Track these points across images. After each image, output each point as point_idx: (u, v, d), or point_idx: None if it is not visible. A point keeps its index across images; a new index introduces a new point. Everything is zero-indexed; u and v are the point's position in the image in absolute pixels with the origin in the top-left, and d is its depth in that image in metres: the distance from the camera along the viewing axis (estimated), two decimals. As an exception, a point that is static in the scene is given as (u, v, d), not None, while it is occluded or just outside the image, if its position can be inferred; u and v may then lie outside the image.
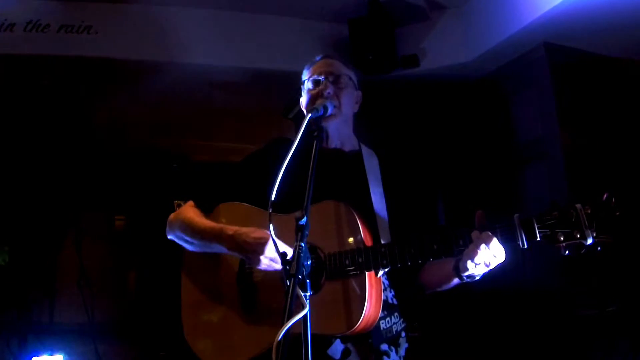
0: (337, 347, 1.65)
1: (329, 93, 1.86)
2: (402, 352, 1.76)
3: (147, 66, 3.99)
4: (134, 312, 5.20)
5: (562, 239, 1.43)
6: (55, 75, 4.10)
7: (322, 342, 1.62)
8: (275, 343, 1.20)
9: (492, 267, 1.52)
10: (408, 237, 1.63)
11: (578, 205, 1.42)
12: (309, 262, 1.37)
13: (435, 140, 4.46)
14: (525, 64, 3.91)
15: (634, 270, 3.28)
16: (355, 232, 1.64)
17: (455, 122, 4.40)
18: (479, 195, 4.08)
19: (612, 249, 1.41)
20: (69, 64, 3.91)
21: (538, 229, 1.45)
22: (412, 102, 4.50)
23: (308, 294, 1.33)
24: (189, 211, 1.88)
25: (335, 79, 1.91)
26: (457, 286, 1.70)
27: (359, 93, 2.01)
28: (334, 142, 1.93)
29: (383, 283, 1.72)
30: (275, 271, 1.65)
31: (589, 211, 1.41)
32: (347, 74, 1.95)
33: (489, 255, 1.48)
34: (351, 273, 1.60)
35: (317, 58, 2.00)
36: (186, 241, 1.84)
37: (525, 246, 1.46)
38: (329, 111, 1.75)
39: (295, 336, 1.30)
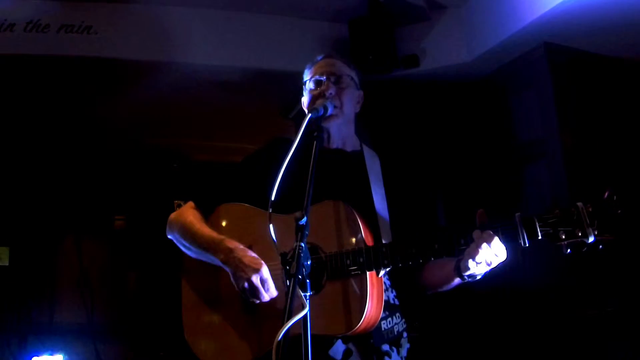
0: (338, 348, 1.65)
1: (330, 93, 1.86)
2: (403, 352, 1.76)
3: (147, 66, 3.99)
4: (133, 312, 5.20)
5: (563, 237, 1.43)
6: (55, 75, 4.10)
7: (323, 343, 1.62)
8: (275, 343, 1.20)
9: (493, 266, 1.52)
10: (409, 236, 1.63)
11: (579, 204, 1.42)
12: (309, 262, 1.37)
13: (436, 140, 4.46)
14: (525, 64, 3.91)
15: (634, 270, 3.28)
16: (356, 232, 1.64)
17: (455, 122, 4.40)
18: (479, 194, 4.07)
19: (613, 248, 1.41)
20: (69, 64, 3.91)
21: (539, 227, 1.45)
22: (412, 102, 4.50)
23: (308, 294, 1.33)
24: (190, 214, 1.87)
25: (336, 79, 1.91)
26: (458, 286, 1.70)
27: (361, 93, 2.01)
28: (335, 142, 1.92)
29: (385, 283, 1.72)
30: (276, 272, 1.65)
31: (590, 209, 1.41)
32: (349, 74, 1.95)
33: (491, 254, 1.48)
34: (352, 273, 1.59)
35: (319, 58, 2.00)
36: (184, 246, 1.84)
37: (527, 245, 1.46)
38: (329, 111, 1.75)
39: (296, 337, 1.30)
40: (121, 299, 5.33)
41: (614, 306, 3.24)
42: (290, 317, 1.24)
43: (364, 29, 3.99)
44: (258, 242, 1.74)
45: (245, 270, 1.61)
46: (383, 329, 1.71)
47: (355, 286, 1.59)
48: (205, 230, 1.79)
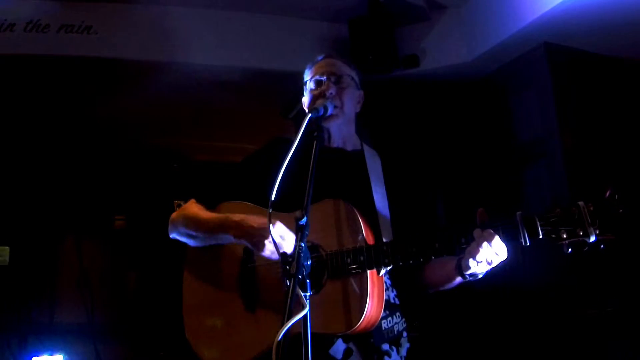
0: (338, 347, 1.65)
1: (331, 93, 1.87)
2: (403, 352, 1.76)
3: (147, 66, 3.99)
4: (133, 312, 5.20)
5: (564, 236, 1.43)
6: (55, 75, 4.10)
7: (324, 342, 1.62)
8: (275, 343, 1.20)
9: (494, 265, 1.52)
10: (410, 235, 1.63)
11: (581, 203, 1.42)
12: (309, 262, 1.37)
13: (436, 140, 4.46)
14: (525, 64, 3.91)
15: (634, 270, 3.28)
16: (356, 231, 1.64)
17: (455, 122, 4.40)
18: (479, 194, 4.07)
19: (614, 248, 1.41)
20: (69, 64, 3.91)
21: (540, 226, 1.45)
22: (413, 102, 4.50)
23: (308, 293, 1.33)
24: (193, 207, 1.88)
25: (337, 79, 1.92)
26: (458, 285, 1.70)
27: (361, 93, 2.02)
28: (336, 142, 1.93)
29: (385, 282, 1.72)
30: (277, 271, 1.65)
31: (591, 208, 1.41)
32: (349, 73, 1.96)
33: (491, 253, 1.48)
34: (353, 272, 1.60)
35: (319, 58, 2.01)
36: (190, 235, 1.83)
37: (528, 244, 1.46)
38: (330, 111, 1.75)
39: (297, 335, 1.30)
40: (121, 299, 5.33)
41: (614, 306, 3.24)
42: (290, 317, 1.24)
43: (364, 29, 3.99)
44: None
45: (261, 233, 1.59)
46: (383, 328, 1.71)
47: (355, 285, 1.59)
48: (208, 214, 1.80)
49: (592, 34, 3.58)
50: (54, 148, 5.25)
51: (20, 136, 4.98)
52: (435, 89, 4.35)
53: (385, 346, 1.71)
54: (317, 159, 1.54)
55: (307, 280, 1.34)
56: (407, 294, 1.83)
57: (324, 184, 1.61)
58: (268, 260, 1.65)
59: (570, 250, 1.43)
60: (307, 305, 1.30)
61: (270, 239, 1.55)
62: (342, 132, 1.93)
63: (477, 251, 1.48)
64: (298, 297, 1.30)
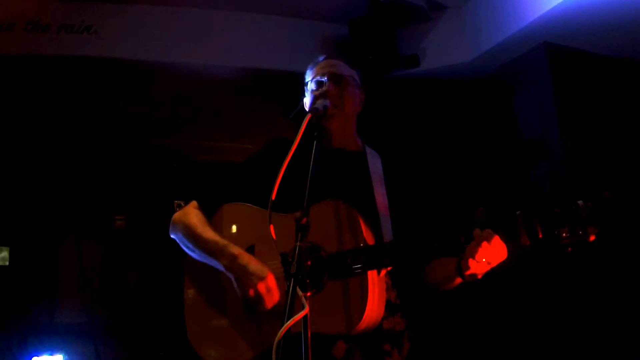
0: (340, 347, 1.65)
1: (331, 94, 1.87)
2: (404, 352, 1.76)
3: (147, 66, 3.99)
4: (133, 312, 5.20)
5: (564, 235, 1.43)
6: (55, 75, 4.10)
7: (325, 342, 1.63)
8: (275, 343, 1.20)
9: (493, 265, 1.52)
10: (409, 235, 1.63)
11: (580, 202, 1.42)
12: (309, 262, 1.37)
13: (436, 140, 4.46)
14: (525, 64, 3.91)
15: (634, 270, 3.28)
16: (356, 231, 1.64)
17: (455, 121, 4.40)
18: (479, 194, 4.07)
19: (614, 247, 1.41)
20: (69, 64, 3.91)
21: (540, 225, 1.45)
22: (413, 102, 4.51)
23: (307, 293, 1.34)
24: (194, 216, 1.86)
25: (338, 80, 1.92)
26: (459, 286, 1.70)
27: (362, 92, 2.02)
28: (336, 142, 1.93)
29: (386, 283, 1.72)
30: (278, 271, 1.66)
31: (591, 207, 1.41)
32: (350, 74, 1.97)
33: (491, 253, 1.48)
34: (353, 272, 1.60)
35: (320, 59, 2.01)
36: (187, 248, 1.84)
37: (527, 243, 1.46)
38: (330, 111, 1.76)
39: (298, 336, 1.30)
40: (121, 299, 5.33)
41: (614, 306, 3.24)
42: (290, 317, 1.24)
43: (364, 29, 3.99)
44: (260, 242, 1.74)
45: (250, 278, 1.61)
46: (384, 329, 1.71)
47: (356, 285, 1.59)
48: (209, 233, 1.79)
49: (592, 34, 3.58)
50: (54, 148, 5.25)
51: (20, 136, 4.98)
52: (436, 89, 4.35)
53: (387, 346, 1.71)
54: (317, 159, 1.54)
55: (307, 280, 1.35)
56: (408, 295, 1.84)
57: (324, 184, 1.61)
58: (269, 259, 1.65)
59: (569, 249, 1.43)
60: (307, 306, 1.30)
61: (257, 287, 1.58)
62: (342, 132, 1.93)
63: (477, 250, 1.48)
64: (298, 297, 1.30)
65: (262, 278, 1.60)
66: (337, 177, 1.82)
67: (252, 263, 1.64)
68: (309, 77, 1.98)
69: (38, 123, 4.88)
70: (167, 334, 4.46)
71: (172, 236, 1.91)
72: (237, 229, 1.83)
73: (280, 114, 4.85)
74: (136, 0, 3.84)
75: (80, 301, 5.05)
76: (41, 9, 3.70)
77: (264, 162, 1.87)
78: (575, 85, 3.75)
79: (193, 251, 1.82)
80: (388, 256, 1.59)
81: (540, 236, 1.45)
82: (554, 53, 3.73)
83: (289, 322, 1.23)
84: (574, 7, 3.29)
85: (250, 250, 1.74)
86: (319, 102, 1.77)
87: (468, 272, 1.55)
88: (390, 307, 1.74)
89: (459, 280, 1.64)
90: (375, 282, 1.61)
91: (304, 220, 1.39)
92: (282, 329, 1.22)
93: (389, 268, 1.64)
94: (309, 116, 1.62)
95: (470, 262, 1.50)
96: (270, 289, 1.60)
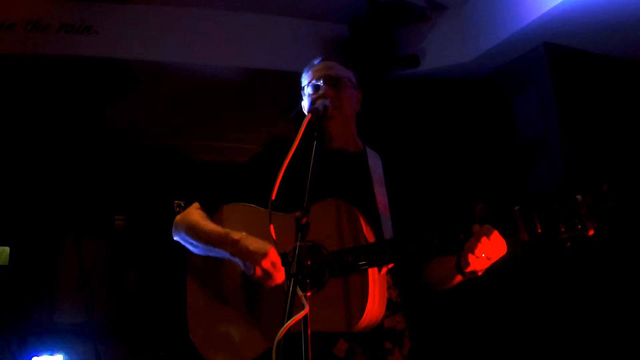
0: (341, 346, 1.65)
1: (329, 96, 1.88)
2: (405, 351, 1.77)
3: (147, 66, 3.99)
4: (133, 312, 5.20)
5: (563, 230, 1.42)
6: (55, 76, 4.10)
7: (326, 341, 1.63)
8: (275, 343, 1.21)
9: (493, 260, 1.52)
10: (409, 233, 1.64)
11: (579, 196, 1.42)
12: (309, 262, 1.37)
13: (436, 140, 4.46)
14: (525, 64, 3.91)
15: (634, 270, 3.28)
16: (357, 230, 1.65)
17: (455, 121, 4.40)
18: (479, 194, 4.07)
19: (613, 246, 1.41)
20: (69, 64, 3.91)
21: (539, 220, 1.45)
22: (412, 102, 4.50)
23: (308, 293, 1.34)
24: (195, 214, 1.88)
25: (334, 82, 1.94)
26: (459, 284, 1.70)
27: (359, 92, 2.03)
28: (336, 142, 1.94)
29: (387, 282, 1.73)
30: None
31: (590, 202, 1.40)
32: (346, 75, 1.98)
33: (490, 248, 1.48)
34: (354, 270, 1.60)
35: (315, 62, 2.03)
36: (191, 244, 1.85)
37: (526, 238, 1.46)
38: (329, 111, 1.77)
39: (299, 334, 1.31)
40: (121, 299, 5.33)
41: (611, 306, 3.24)
42: (290, 317, 1.25)
43: (364, 29, 3.99)
44: None
45: (254, 258, 1.61)
46: (385, 327, 1.72)
47: (356, 284, 1.60)
48: (210, 226, 1.80)
49: (592, 34, 3.58)
50: (54, 148, 5.25)
51: (19, 136, 4.99)
52: (436, 89, 4.35)
53: (388, 345, 1.72)
54: (317, 159, 1.55)
55: (307, 280, 1.35)
56: (409, 293, 1.84)
57: (325, 184, 1.62)
58: None
59: (568, 244, 1.43)
60: (307, 305, 1.30)
61: (262, 263, 1.58)
62: (342, 132, 1.94)
63: (476, 246, 1.48)
64: (298, 296, 1.30)
65: (264, 254, 1.59)
66: (337, 177, 1.83)
67: (253, 243, 1.65)
68: (305, 80, 1.99)
69: (38, 123, 4.88)
70: (167, 334, 4.46)
71: (175, 238, 1.92)
72: (238, 229, 1.83)
73: (280, 114, 4.86)
74: (136, 0, 3.84)
75: (80, 301, 5.05)
76: (41, 9, 3.70)
77: (264, 162, 1.88)
78: (575, 86, 3.75)
79: (196, 246, 1.82)
80: (388, 254, 1.59)
81: (539, 231, 1.45)
82: (554, 53, 3.73)
83: (288, 322, 1.23)
84: (574, 7, 3.29)
85: None
86: (319, 102, 1.79)
87: (468, 269, 1.55)
88: (391, 306, 1.74)
89: (459, 278, 1.64)
90: (376, 281, 1.61)
91: (304, 219, 1.39)
92: (281, 329, 1.22)
93: (389, 266, 1.65)
94: (309, 116, 1.62)
95: (470, 257, 1.50)
96: (275, 263, 1.60)
